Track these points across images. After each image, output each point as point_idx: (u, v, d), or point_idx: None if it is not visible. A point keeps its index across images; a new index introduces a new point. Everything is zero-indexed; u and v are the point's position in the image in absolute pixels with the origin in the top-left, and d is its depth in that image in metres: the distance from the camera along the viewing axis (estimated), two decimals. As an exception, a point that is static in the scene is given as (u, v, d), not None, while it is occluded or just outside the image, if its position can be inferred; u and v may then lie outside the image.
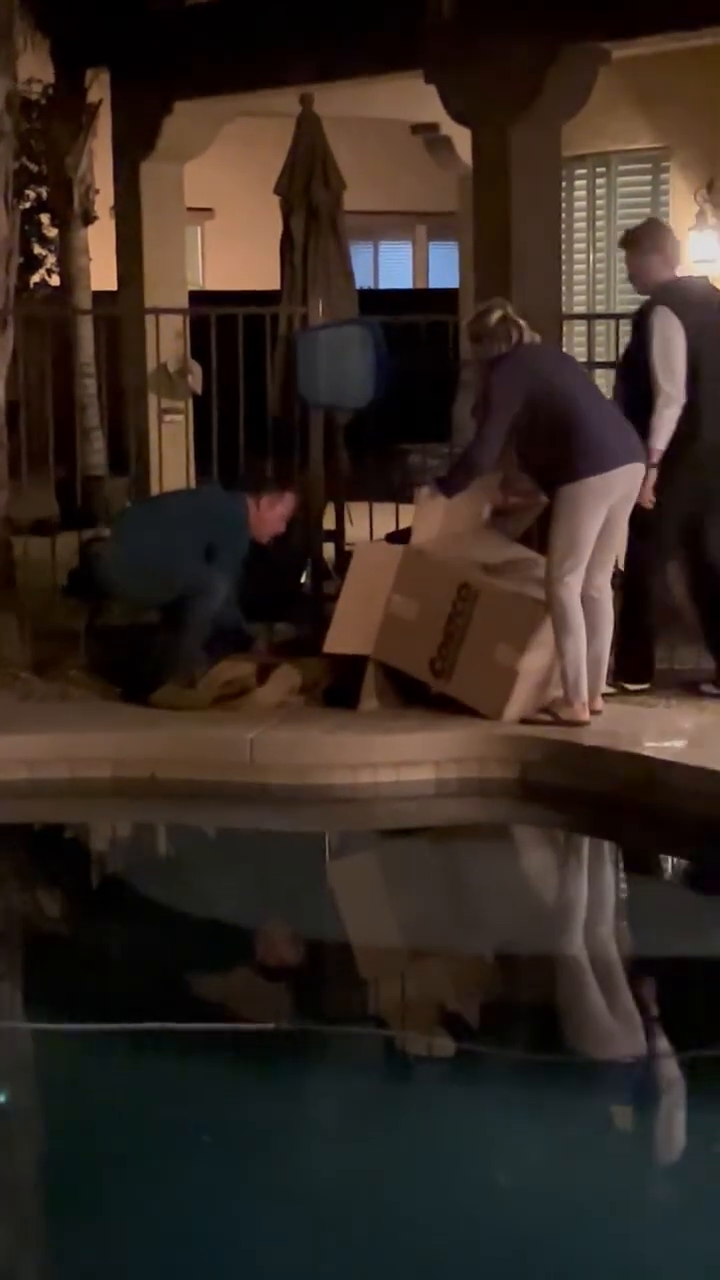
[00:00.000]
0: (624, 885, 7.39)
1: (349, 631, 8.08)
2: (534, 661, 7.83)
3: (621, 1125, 5.22)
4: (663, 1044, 5.71)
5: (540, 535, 8.14)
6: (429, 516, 8.11)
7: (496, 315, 7.85)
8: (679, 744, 7.59)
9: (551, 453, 7.70)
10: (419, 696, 8.09)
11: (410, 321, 9.56)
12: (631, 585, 8.17)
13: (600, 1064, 5.55)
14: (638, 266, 8.25)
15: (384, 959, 6.52)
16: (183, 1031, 5.50)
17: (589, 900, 7.16)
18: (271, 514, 8.43)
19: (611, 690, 8.09)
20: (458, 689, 7.94)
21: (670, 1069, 5.53)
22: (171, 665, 8.27)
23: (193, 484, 9.61)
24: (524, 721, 7.80)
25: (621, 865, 7.49)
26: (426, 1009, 6.05)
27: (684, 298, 8.12)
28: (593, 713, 7.83)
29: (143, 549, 8.41)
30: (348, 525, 10.05)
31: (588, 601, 7.80)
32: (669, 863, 7.45)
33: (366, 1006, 6.03)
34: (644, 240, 8.27)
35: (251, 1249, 4.28)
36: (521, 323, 7.83)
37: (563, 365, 8.00)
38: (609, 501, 7.68)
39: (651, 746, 7.55)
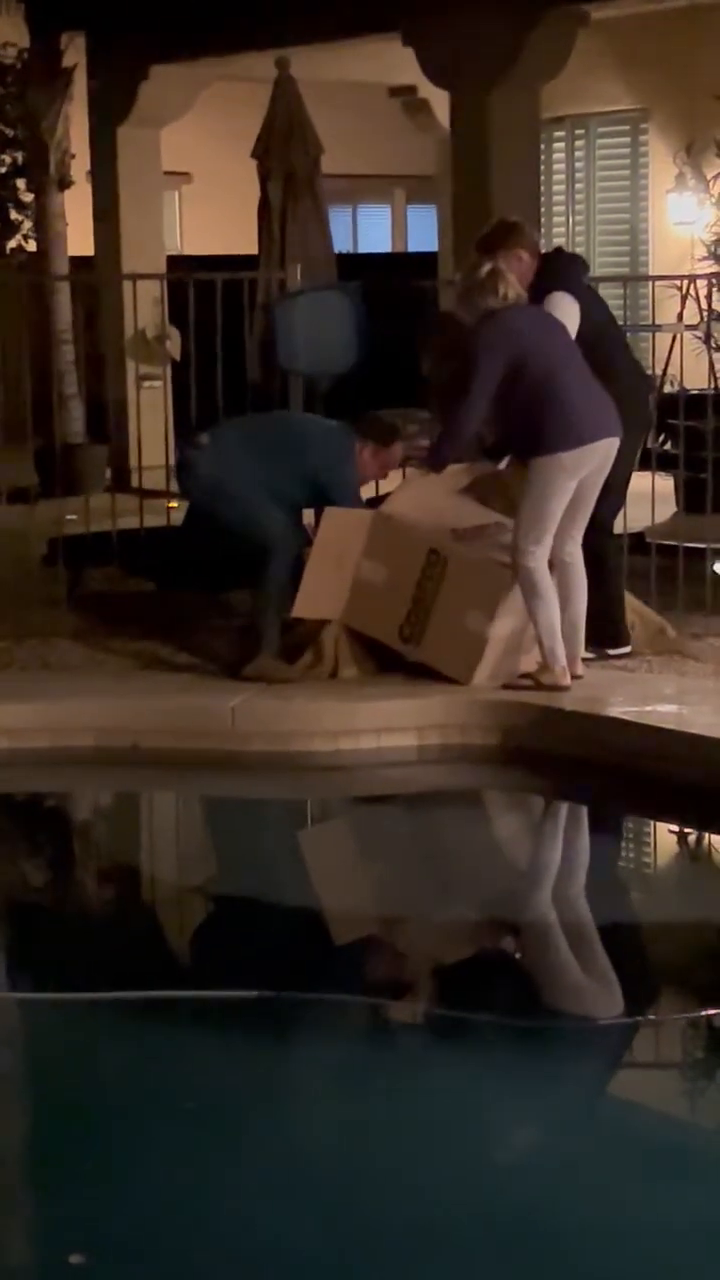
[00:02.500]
0: (605, 850, 7.38)
1: (318, 596, 8.06)
2: (504, 627, 7.82)
3: (601, 1087, 5.23)
4: (643, 1006, 5.71)
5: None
6: (406, 489, 8.09)
7: (486, 268, 7.76)
8: (660, 708, 7.59)
9: (527, 421, 7.64)
10: (396, 662, 8.08)
11: (389, 285, 9.52)
12: (590, 551, 8.11)
13: (582, 1027, 5.56)
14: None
15: (365, 925, 6.51)
16: (163, 1000, 5.50)
17: (570, 865, 7.15)
18: (373, 462, 8.27)
19: (592, 656, 8.08)
20: (428, 654, 7.93)
21: (648, 1031, 5.53)
22: (259, 635, 8.15)
23: (171, 452, 9.54)
24: (505, 687, 7.79)
25: (602, 830, 7.49)
26: (408, 975, 6.05)
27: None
28: (573, 677, 7.83)
29: (238, 469, 8.19)
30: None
31: (560, 567, 7.78)
32: (650, 827, 7.44)
33: (349, 973, 6.02)
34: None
35: (235, 1215, 4.28)
36: (512, 279, 7.75)
37: (548, 330, 7.87)
38: (580, 475, 7.64)
39: (632, 711, 7.55)
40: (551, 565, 7.71)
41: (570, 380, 7.66)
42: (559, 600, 7.78)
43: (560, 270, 8.16)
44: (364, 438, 8.23)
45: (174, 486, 9.73)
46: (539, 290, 7.93)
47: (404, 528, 7.97)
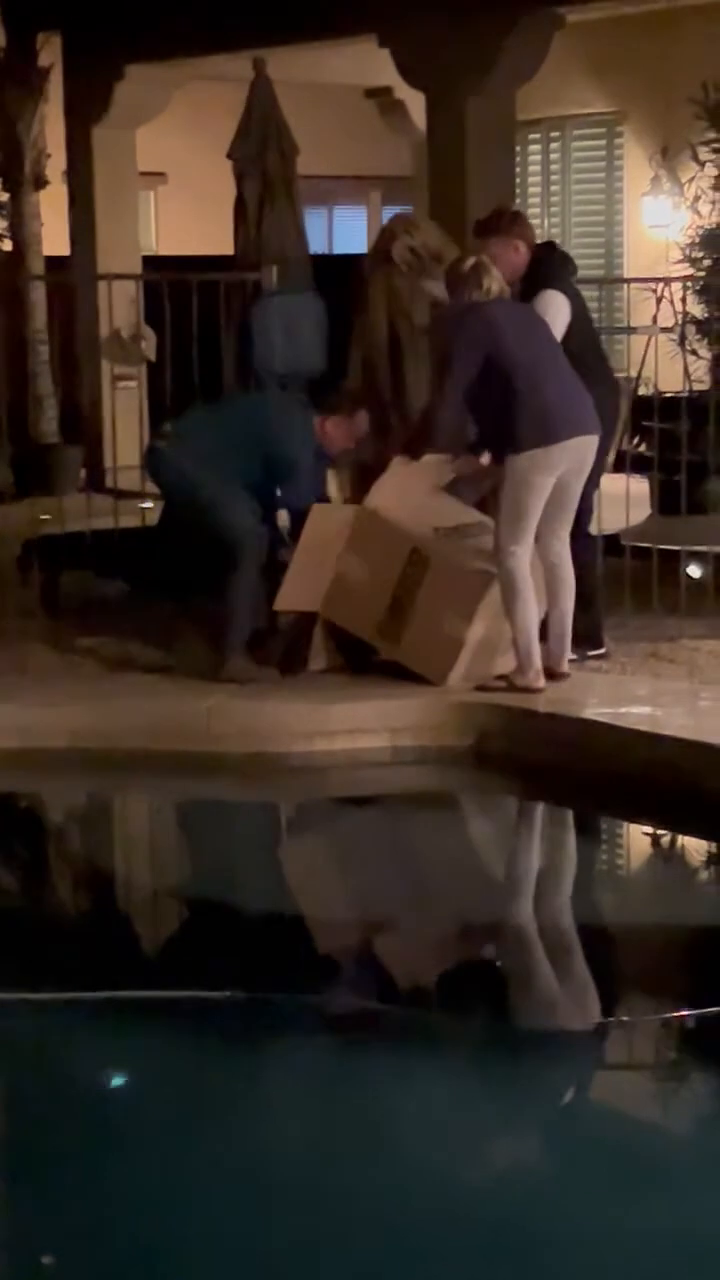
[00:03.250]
0: (577, 852, 7.38)
1: (300, 589, 8.06)
2: (480, 631, 7.83)
3: (573, 1091, 5.24)
4: (615, 1008, 5.72)
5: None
6: (389, 480, 8.09)
7: (470, 261, 7.75)
8: (633, 710, 7.60)
9: (501, 417, 7.63)
10: (370, 663, 8.08)
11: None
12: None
13: (554, 1031, 5.56)
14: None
15: (337, 927, 6.51)
16: (134, 1000, 5.49)
17: (542, 867, 7.16)
18: (338, 432, 8.24)
19: (573, 657, 8.08)
20: (404, 653, 7.94)
21: (619, 1034, 5.53)
22: (229, 636, 8.14)
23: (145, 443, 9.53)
24: (478, 689, 7.80)
25: (575, 832, 7.49)
26: (381, 977, 6.05)
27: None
28: (559, 676, 7.82)
29: (200, 450, 8.17)
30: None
31: (547, 568, 7.80)
32: (623, 829, 7.45)
33: (318, 975, 6.02)
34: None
35: (204, 1216, 4.27)
36: (496, 275, 7.71)
37: (528, 326, 7.80)
38: (555, 474, 7.62)
39: (606, 713, 7.55)
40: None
41: (545, 377, 7.63)
42: (547, 600, 7.78)
43: (555, 267, 8.14)
44: (324, 410, 8.23)
45: (149, 487, 9.74)
46: (531, 284, 7.91)
47: (387, 524, 7.97)
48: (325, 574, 8.02)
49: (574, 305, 8.04)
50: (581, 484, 7.80)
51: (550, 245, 8.56)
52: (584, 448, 7.70)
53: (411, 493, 8.10)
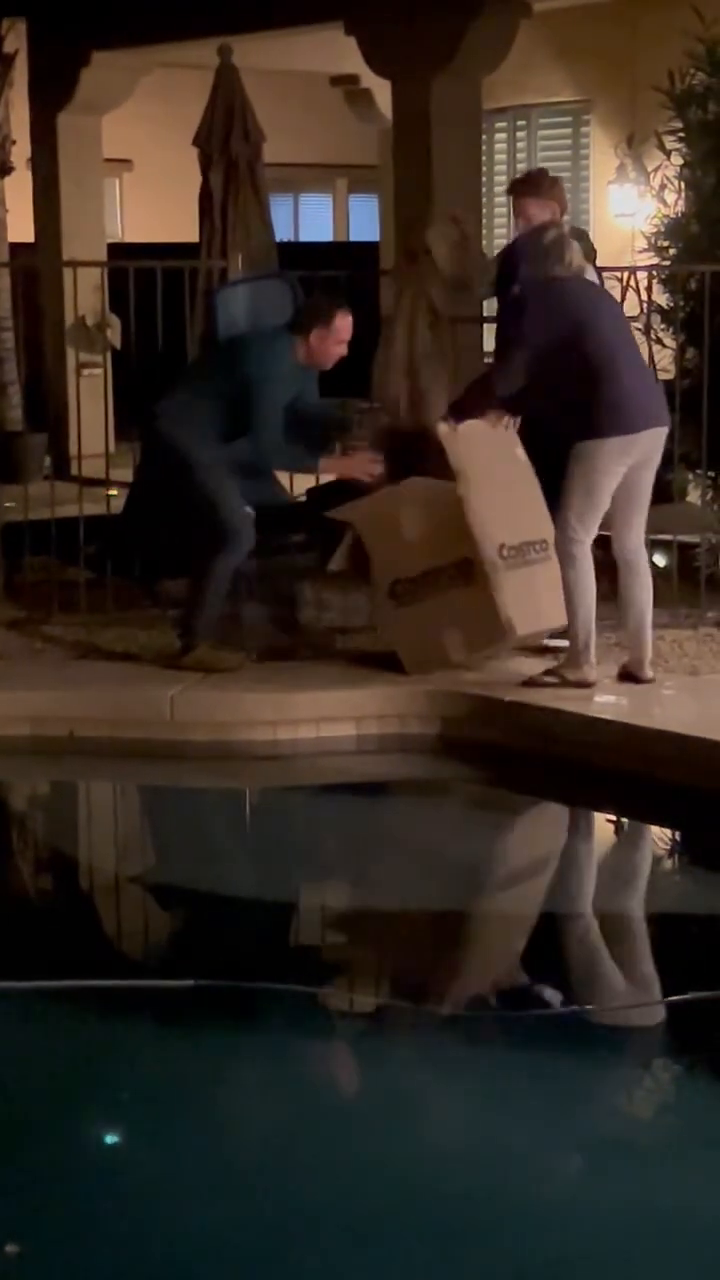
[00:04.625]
0: (542, 840, 7.39)
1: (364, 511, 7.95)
2: (465, 661, 7.82)
3: (545, 1077, 5.24)
4: (579, 996, 5.73)
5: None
6: (465, 452, 7.81)
7: (552, 234, 7.54)
8: (599, 698, 7.60)
9: (577, 401, 7.38)
10: (336, 650, 8.08)
11: (331, 275, 9.49)
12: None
13: (515, 1016, 5.57)
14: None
15: (303, 915, 6.52)
16: (100, 989, 5.47)
17: (506, 855, 7.17)
18: (322, 345, 8.05)
19: (547, 643, 8.00)
20: (391, 628, 7.91)
21: (581, 1021, 5.54)
22: (197, 623, 8.11)
23: (111, 440, 9.50)
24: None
25: (540, 820, 7.50)
26: (346, 964, 6.05)
27: None
28: (644, 681, 7.66)
29: (198, 428, 8.05)
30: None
31: (620, 563, 7.62)
32: (587, 818, 7.45)
33: (287, 963, 6.02)
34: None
35: (170, 1207, 4.27)
36: (578, 248, 7.50)
37: (605, 309, 7.57)
38: (628, 463, 7.42)
39: (571, 701, 7.55)
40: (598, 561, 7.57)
41: (625, 363, 7.43)
42: (624, 599, 7.64)
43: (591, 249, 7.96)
44: (298, 330, 8.08)
45: (114, 475, 9.72)
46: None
47: (468, 517, 7.73)
48: (390, 516, 7.88)
49: None
50: (651, 475, 7.60)
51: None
52: (656, 439, 7.50)
53: (495, 483, 7.86)
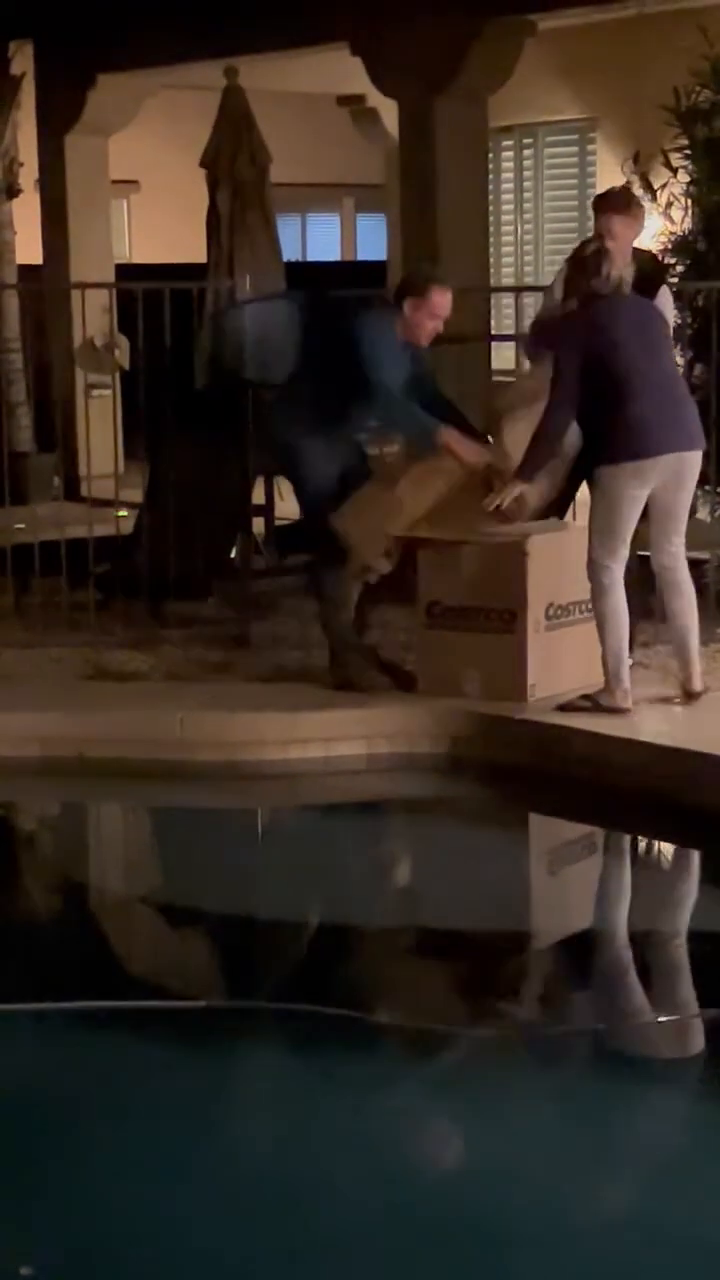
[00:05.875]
0: (551, 859, 7.39)
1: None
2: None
3: (549, 1094, 5.24)
4: (596, 1013, 5.72)
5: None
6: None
7: (593, 246, 7.44)
8: (611, 718, 7.57)
9: (595, 425, 7.35)
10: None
11: (339, 295, 9.51)
12: None
13: (522, 1035, 5.56)
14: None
15: (313, 935, 6.51)
16: (109, 1010, 5.47)
17: (517, 874, 7.15)
18: (416, 315, 7.85)
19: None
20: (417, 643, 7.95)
21: (583, 1039, 5.53)
22: (331, 643, 8.10)
23: (120, 461, 9.51)
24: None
25: (550, 839, 7.49)
26: (355, 985, 6.04)
27: None
28: (694, 696, 7.61)
29: (289, 397, 8.03)
30: (277, 499, 10.02)
31: (660, 581, 7.57)
32: (598, 836, 7.43)
33: (297, 983, 6.01)
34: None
35: (177, 1224, 4.26)
36: (619, 262, 7.38)
37: (639, 327, 7.40)
38: (646, 488, 7.34)
39: (580, 719, 7.53)
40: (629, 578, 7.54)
41: (643, 388, 7.29)
42: (667, 615, 7.58)
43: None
44: (394, 301, 7.94)
45: (123, 495, 9.73)
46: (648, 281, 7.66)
47: (526, 574, 7.67)
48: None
49: None
50: (687, 496, 7.51)
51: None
52: (679, 463, 7.39)
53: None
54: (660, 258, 8.33)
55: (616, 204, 7.89)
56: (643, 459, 7.30)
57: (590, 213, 14.95)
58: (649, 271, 7.92)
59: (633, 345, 7.35)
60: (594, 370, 7.28)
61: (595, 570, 7.45)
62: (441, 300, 7.86)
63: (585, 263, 7.44)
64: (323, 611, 8.14)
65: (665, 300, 7.83)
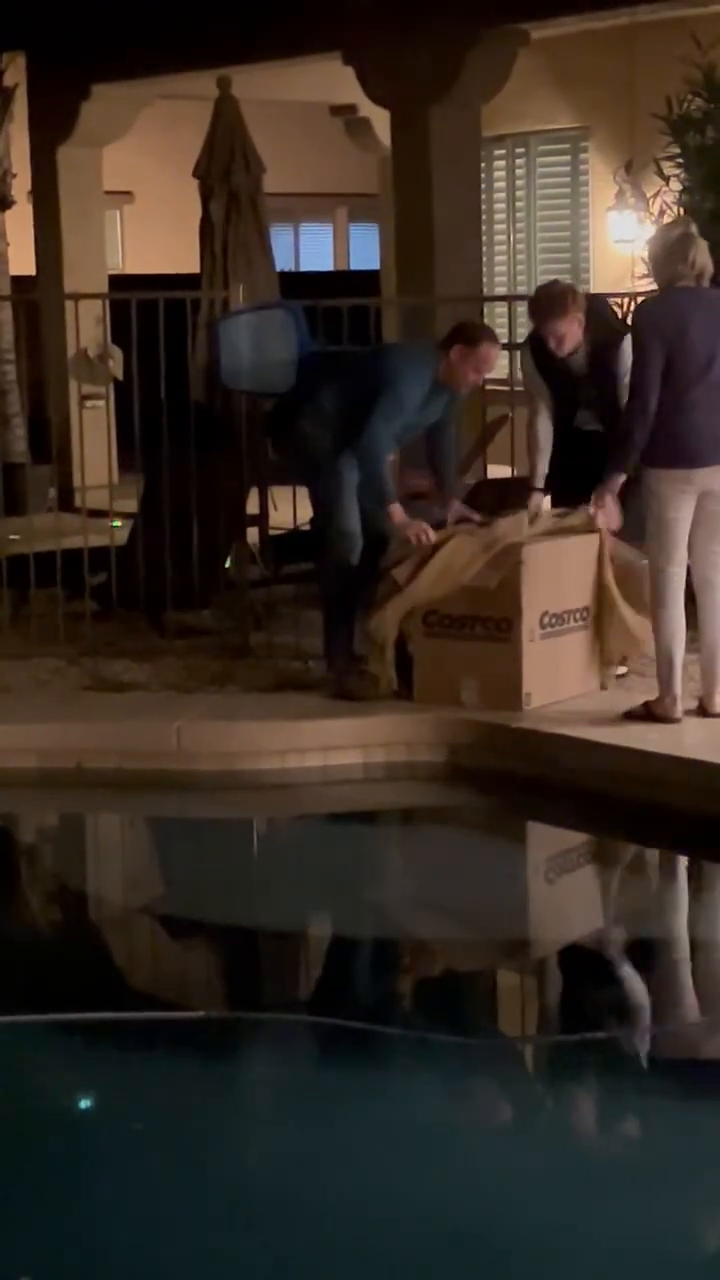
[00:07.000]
0: (549, 867, 7.39)
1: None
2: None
3: (546, 1104, 5.24)
4: (582, 1024, 5.72)
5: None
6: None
7: (678, 232, 7.30)
8: (611, 725, 7.58)
9: (654, 423, 7.22)
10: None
11: (332, 304, 9.51)
12: None
13: (526, 1044, 5.56)
14: None
15: (312, 945, 6.51)
16: (111, 1021, 5.47)
17: (515, 882, 7.15)
18: (464, 364, 7.87)
19: None
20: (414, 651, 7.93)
21: (567, 1049, 5.53)
22: (330, 650, 8.20)
23: (115, 472, 9.50)
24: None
25: (548, 847, 7.49)
26: (354, 995, 6.04)
27: None
28: (711, 715, 7.50)
29: (322, 407, 8.06)
30: (271, 510, 10.02)
31: (697, 593, 7.47)
32: (595, 845, 7.44)
33: (298, 993, 6.02)
34: None
35: (176, 1234, 4.26)
36: (703, 245, 7.17)
37: (712, 327, 7.19)
38: (691, 494, 7.27)
39: (581, 728, 7.55)
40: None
41: (702, 395, 7.19)
42: (699, 628, 7.47)
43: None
44: (445, 345, 7.94)
45: (118, 506, 9.73)
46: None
47: (522, 581, 7.68)
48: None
49: None
50: None
51: None
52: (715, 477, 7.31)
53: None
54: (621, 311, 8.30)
55: (554, 309, 7.81)
56: (686, 468, 7.24)
57: (582, 221, 15.11)
58: (605, 334, 7.88)
59: (702, 343, 7.17)
60: (667, 364, 7.15)
61: (654, 574, 7.41)
62: (490, 355, 7.96)
63: (670, 247, 7.23)
64: (325, 619, 8.19)
65: (626, 353, 7.71)
